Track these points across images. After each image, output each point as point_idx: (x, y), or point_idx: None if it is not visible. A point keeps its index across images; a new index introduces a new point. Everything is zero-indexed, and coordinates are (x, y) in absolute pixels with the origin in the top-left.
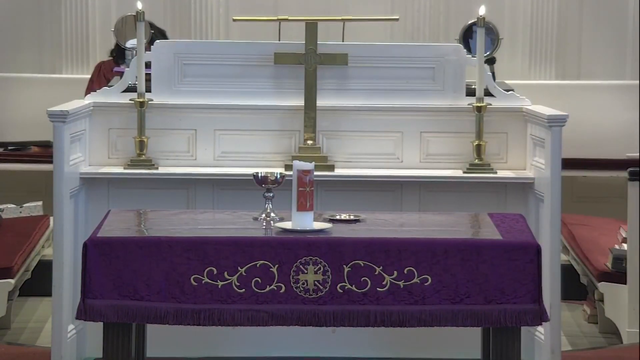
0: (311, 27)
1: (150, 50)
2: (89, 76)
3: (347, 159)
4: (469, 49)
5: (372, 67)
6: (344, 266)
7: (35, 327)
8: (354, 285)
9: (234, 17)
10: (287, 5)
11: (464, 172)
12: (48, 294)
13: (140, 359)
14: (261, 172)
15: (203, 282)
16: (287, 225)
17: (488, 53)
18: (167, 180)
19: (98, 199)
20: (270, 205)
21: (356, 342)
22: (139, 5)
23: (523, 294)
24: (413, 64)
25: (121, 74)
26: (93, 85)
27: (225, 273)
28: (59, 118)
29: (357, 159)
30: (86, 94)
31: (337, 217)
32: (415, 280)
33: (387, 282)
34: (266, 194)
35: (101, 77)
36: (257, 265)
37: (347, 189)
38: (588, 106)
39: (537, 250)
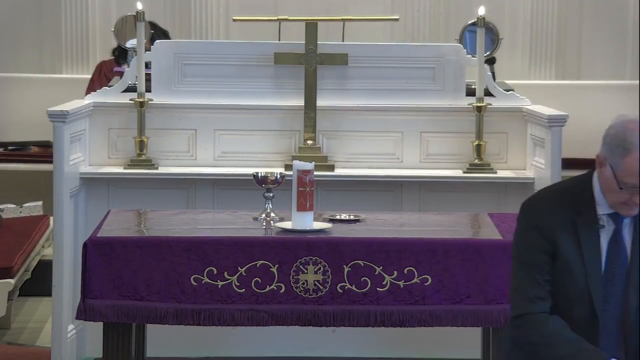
0: (311, 27)
1: (150, 50)
2: (89, 76)
3: (347, 159)
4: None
5: (372, 67)
6: (344, 266)
7: (35, 327)
8: (354, 285)
9: (234, 17)
10: (287, 5)
11: (464, 172)
12: (48, 294)
13: (140, 359)
14: (261, 172)
15: (203, 282)
16: (287, 225)
17: (488, 53)
18: (167, 180)
19: (98, 199)
20: (270, 205)
21: (356, 342)
22: (139, 5)
23: None
24: (413, 64)
25: (121, 73)
26: (94, 85)
27: (225, 273)
28: (59, 118)
29: (357, 159)
30: (87, 94)
31: (337, 217)
32: (415, 280)
33: (387, 282)
34: (266, 194)
35: (102, 77)
36: (257, 265)
37: (347, 189)
38: (588, 106)
39: None
